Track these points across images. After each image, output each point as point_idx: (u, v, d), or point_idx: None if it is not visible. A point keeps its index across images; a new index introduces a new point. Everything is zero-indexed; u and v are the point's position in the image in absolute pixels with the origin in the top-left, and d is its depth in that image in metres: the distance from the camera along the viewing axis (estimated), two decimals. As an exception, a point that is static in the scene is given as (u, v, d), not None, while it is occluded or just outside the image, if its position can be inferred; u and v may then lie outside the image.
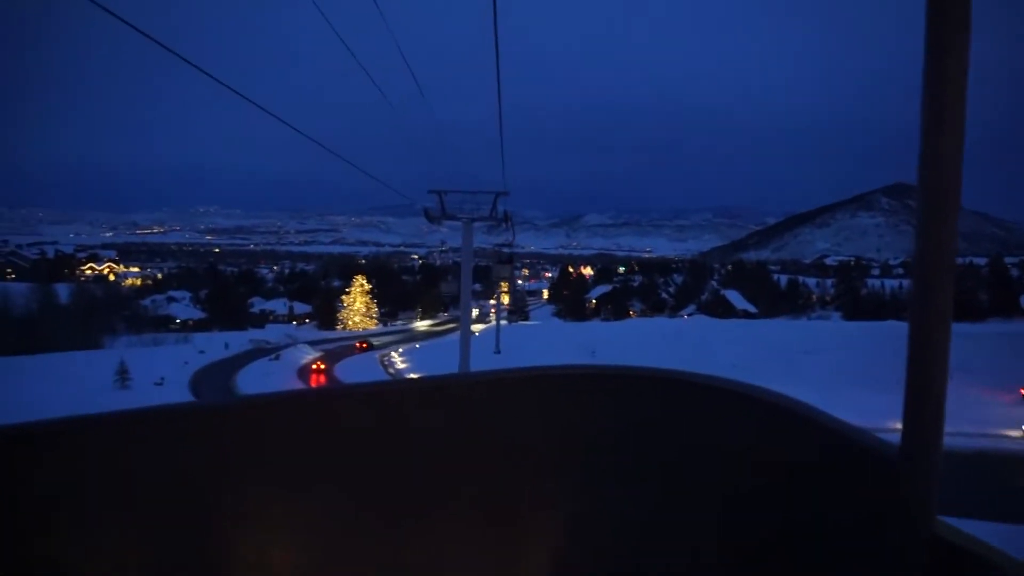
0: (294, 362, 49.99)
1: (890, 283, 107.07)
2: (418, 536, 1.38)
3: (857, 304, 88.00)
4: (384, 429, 1.36)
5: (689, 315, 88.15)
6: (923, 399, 0.80)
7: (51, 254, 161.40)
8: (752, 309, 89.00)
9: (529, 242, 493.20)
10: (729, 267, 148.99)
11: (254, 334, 72.49)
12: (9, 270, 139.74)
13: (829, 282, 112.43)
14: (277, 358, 51.30)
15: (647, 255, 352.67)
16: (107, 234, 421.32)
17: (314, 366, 48.73)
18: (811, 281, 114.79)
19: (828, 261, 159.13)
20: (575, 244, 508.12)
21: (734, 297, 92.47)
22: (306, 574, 1.31)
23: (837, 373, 36.22)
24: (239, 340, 62.60)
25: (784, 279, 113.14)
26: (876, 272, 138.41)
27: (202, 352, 53.20)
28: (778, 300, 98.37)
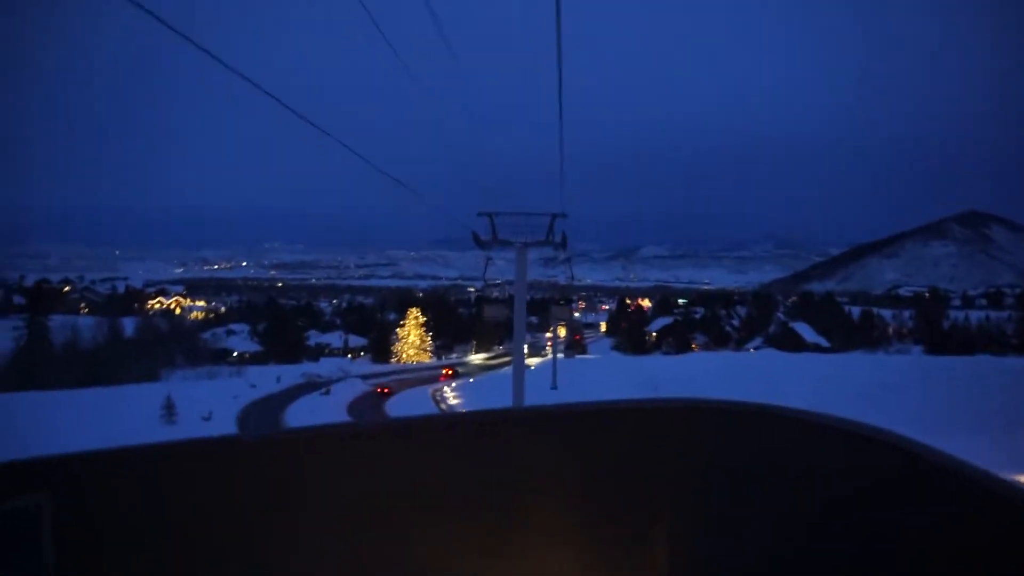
0: (344, 396, 48.73)
1: (975, 315, 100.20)
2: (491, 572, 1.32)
3: (940, 337, 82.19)
4: (456, 462, 1.32)
5: (756, 348, 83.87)
6: None
7: (122, 289, 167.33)
8: (824, 343, 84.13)
9: (585, 275, 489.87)
10: (795, 298, 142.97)
11: (308, 367, 71.93)
12: (83, 304, 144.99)
13: (907, 314, 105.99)
14: (327, 392, 50.21)
15: (706, 287, 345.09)
16: (177, 270, 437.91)
17: (378, 390, 53.09)
18: (886, 313, 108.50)
19: (902, 292, 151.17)
20: (632, 276, 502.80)
21: (804, 330, 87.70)
22: None
23: (934, 414, 32.52)
24: (292, 373, 61.99)
25: (856, 311, 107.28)
26: (956, 303, 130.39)
27: (253, 386, 52.53)
28: (851, 333, 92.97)
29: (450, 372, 66.11)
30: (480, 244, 19.42)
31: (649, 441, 1.37)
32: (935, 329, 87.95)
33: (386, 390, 53.14)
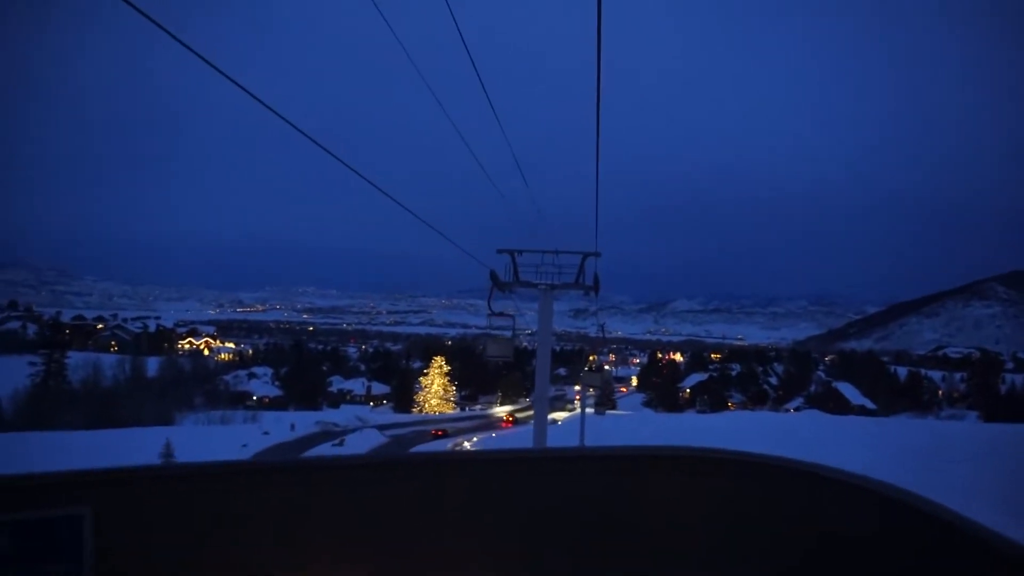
0: (358, 448, 45.94)
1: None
2: None
3: (997, 402, 76.68)
4: (466, 499, 1.30)
5: (796, 409, 79.28)
6: None
7: (152, 328, 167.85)
8: (869, 404, 79.23)
9: (616, 327, 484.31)
10: (833, 357, 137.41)
11: (328, 414, 69.47)
12: (113, 343, 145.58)
13: (957, 376, 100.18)
14: (341, 443, 47.44)
15: (739, 343, 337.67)
16: (212, 311, 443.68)
17: (434, 432, 54.82)
18: (935, 374, 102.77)
19: (949, 352, 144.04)
20: (663, 330, 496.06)
21: (847, 390, 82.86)
22: None
23: (1013, 492, 28.69)
24: (308, 421, 59.45)
25: (902, 371, 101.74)
26: (1010, 366, 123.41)
27: (266, 433, 50.08)
28: (898, 395, 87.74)
29: (511, 420, 67.10)
30: (499, 285, 16.82)
31: (643, 489, 1.31)
32: (991, 393, 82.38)
33: (439, 433, 55.69)
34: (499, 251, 17.13)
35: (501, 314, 15.60)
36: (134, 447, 37.89)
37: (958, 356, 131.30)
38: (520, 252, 17.18)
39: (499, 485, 1.28)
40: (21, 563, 0.96)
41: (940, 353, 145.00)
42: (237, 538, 1.19)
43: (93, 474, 1.09)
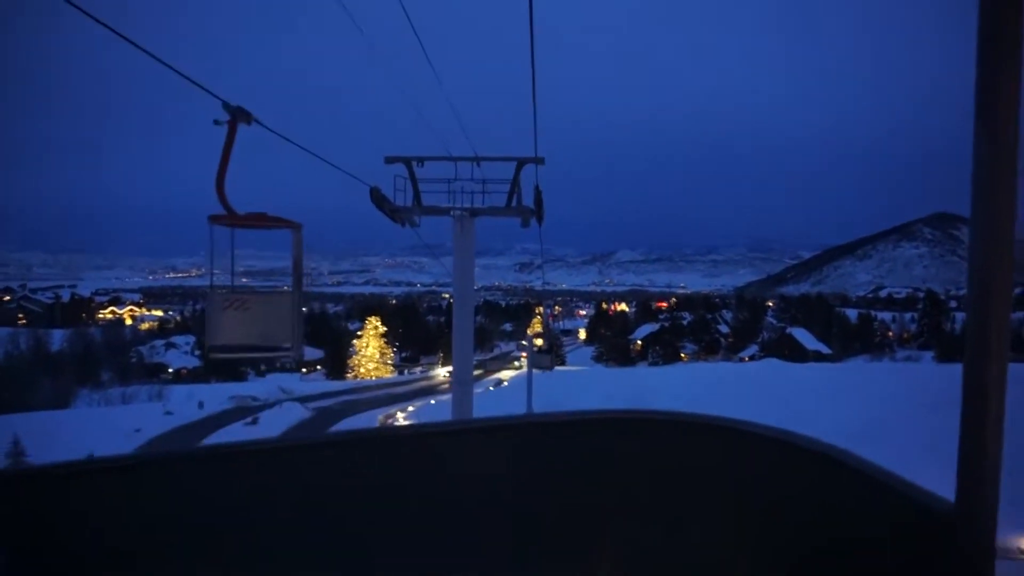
0: (275, 427, 39.83)
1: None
2: None
3: (951, 343, 75.11)
4: (404, 475, 1.30)
5: (751, 357, 76.27)
6: (979, 451, 0.73)
7: (66, 297, 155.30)
8: (825, 350, 76.72)
9: (561, 279, 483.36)
10: (778, 301, 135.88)
11: (250, 386, 62.82)
12: (20, 315, 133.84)
13: (908, 316, 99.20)
14: (255, 422, 41.19)
15: (682, 291, 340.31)
16: (147, 277, 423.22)
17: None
18: (885, 316, 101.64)
19: (894, 294, 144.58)
20: (608, 280, 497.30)
21: (802, 336, 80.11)
22: None
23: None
24: (223, 394, 52.70)
25: (852, 314, 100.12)
26: (953, 305, 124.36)
27: (169, 413, 43.43)
28: (850, 338, 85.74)
29: None
30: (389, 212, 11.01)
31: (574, 453, 1.32)
32: (944, 333, 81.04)
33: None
34: (388, 160, 11.26)
35: (248, 218, 5.57)
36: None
37: (902, 296, 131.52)
38: (421, 161, 11.35)
39: (445, 459, 1.26)
40: None
41: (882, 294, 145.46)
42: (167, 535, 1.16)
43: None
